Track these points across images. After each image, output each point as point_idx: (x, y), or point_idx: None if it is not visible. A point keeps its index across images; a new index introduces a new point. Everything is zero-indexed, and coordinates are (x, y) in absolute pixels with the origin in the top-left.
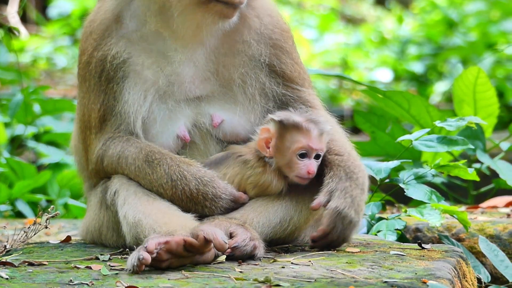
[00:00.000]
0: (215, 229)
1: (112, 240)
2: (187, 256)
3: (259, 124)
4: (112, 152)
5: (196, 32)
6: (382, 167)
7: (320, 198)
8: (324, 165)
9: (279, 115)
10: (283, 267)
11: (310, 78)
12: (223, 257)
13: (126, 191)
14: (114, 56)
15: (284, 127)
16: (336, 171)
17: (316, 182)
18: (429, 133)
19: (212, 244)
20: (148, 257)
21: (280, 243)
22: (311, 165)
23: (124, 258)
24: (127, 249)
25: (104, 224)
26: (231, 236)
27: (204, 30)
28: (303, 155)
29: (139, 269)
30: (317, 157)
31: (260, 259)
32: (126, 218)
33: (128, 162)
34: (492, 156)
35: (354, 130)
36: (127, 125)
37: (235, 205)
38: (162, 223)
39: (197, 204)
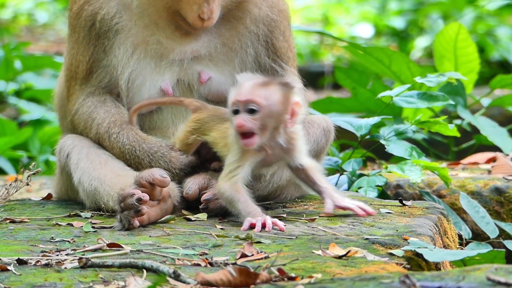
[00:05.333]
0: (152, 171)
1: (79, 200)
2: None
3: None
4: (85, 110)
5: None
6: (363, 124)
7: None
8: None
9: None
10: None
11: (295, 58)
12: (204, 215)
13: (78, 154)
14: (104, 16)
15: None
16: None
17: None
18: (409, 89)
19: (158, 188)
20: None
21: (260, 201)
22: (238, 118)
23: (107, 215)
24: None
25: (68, 186)
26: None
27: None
28: (236, 111)
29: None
30: (250, 111)
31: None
32: (81, 184)
33: (94, 124)
34: (473, 112)
35: (335, 86)
36: (111, 78)
37: (191, 170)
38: (118, 188)
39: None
